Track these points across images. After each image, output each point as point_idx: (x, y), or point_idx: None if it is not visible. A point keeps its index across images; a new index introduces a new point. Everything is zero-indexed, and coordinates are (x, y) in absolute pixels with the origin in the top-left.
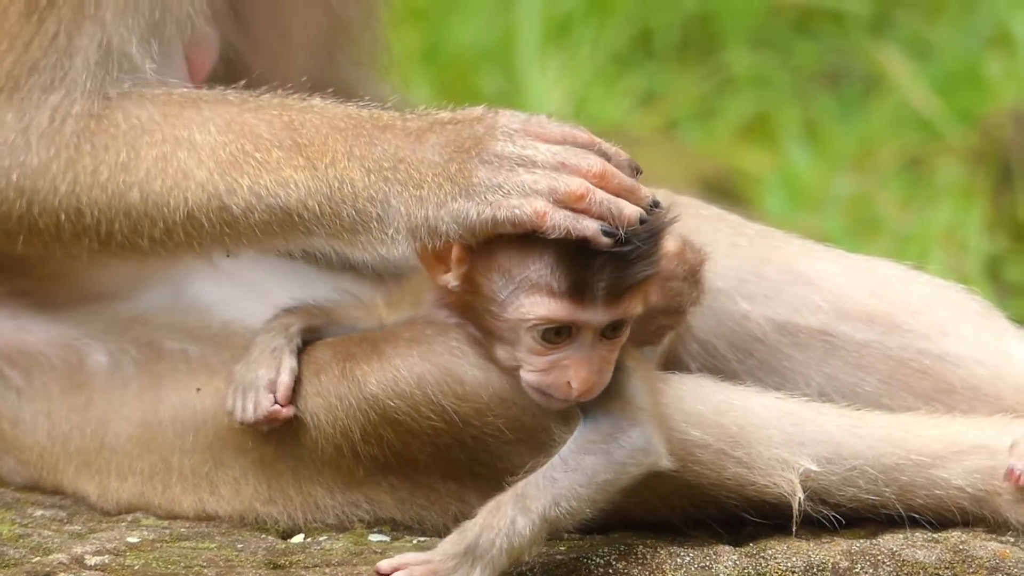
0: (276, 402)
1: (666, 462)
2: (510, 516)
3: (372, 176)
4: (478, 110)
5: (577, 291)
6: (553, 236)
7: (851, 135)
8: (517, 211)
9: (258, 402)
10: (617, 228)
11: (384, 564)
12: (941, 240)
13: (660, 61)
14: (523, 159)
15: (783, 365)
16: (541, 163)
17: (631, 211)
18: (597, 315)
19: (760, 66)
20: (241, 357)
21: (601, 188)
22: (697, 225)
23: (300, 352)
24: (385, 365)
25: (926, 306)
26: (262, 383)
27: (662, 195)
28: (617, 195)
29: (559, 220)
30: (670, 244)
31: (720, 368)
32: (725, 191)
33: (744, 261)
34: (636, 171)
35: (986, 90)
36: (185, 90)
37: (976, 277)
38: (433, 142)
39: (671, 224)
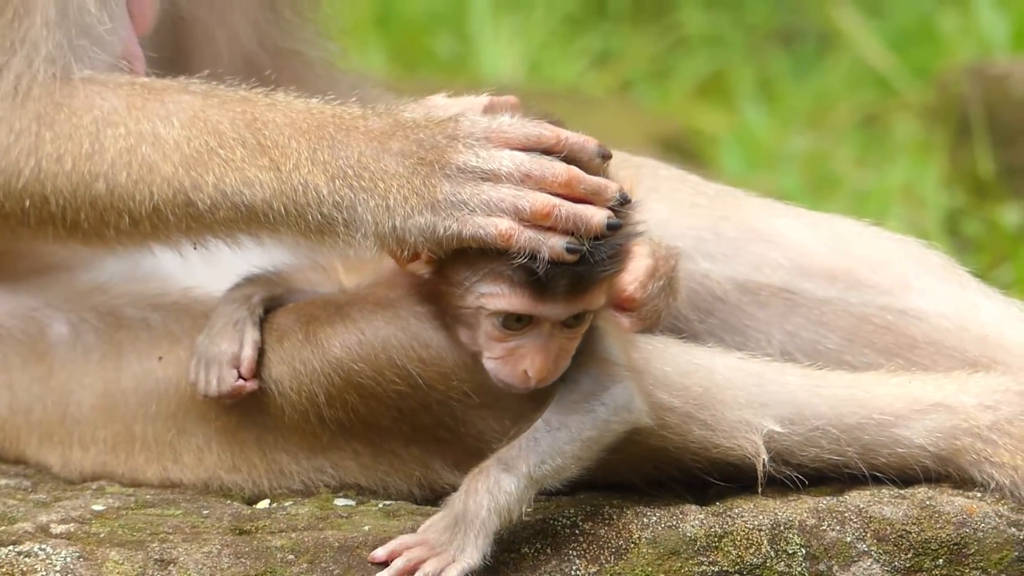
0: (240, 376)
1: (647, 419)
2: (494, 477)
3: (337, 182)
4: (440, 108)
5: (538, 286)
6: (520, 257)
7: (806, 93)
8: (482, 231)
9: (222, 377)
10: (582, 243)
11: (379, 552)
12: (899, 196)
13: (614, 21)
14: (487, 173)
15: (744, 324)
16: (505, 176)
17: (598, 220)
18: (557, 310)
19: (714, 25)
20: (203, 326)
21: (567, 197)
22: (656, 185)
23: (262, 321)
24: (350, 328)
25: (887, 261)
26: (225, 357)
27: (620, 158)
28: (584, 200)
29: (524, 242)
30: (641, 264)
31: (682, 328)
32: (681, 151)
33: (703, 221)
34: (605, 158)
35: (941, 46)
36: (148, 80)
37: (935, 232)
38: (396, 149)
39: (636, 235)
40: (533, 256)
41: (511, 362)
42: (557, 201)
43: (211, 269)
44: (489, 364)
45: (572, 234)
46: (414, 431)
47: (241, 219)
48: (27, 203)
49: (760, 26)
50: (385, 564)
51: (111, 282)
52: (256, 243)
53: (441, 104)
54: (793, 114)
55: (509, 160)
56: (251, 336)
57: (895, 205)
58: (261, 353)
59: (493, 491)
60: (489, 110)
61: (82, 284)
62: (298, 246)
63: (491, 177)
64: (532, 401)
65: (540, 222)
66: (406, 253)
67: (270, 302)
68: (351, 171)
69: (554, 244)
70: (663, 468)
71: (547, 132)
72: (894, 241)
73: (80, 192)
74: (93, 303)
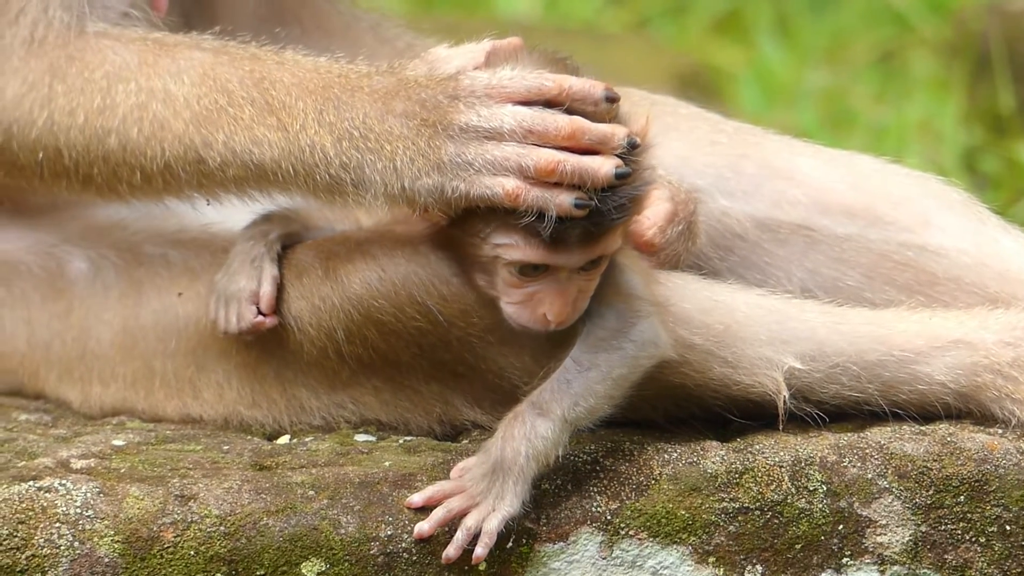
0: (259, 312)
1: (671, 352)
2: (530, 423)
3: (344, 143)
4: (442, 60)
5: (551, 236)
6: (529, 215)
7: (824, 29)
8: (489, 191)
9: (241, 314)
10: (591, 197)
11: (416, 498)
12: (916, 133)
13: None
14: (489, 132)
15: (764, 261)
16: (508, 133)
17: (605, 171)
18: (572, 258)
19: None
20: (222, 261)
21: (573, 149)
22: (675, 123)
23: (280, 257)
24: (370, 264)
25: (906, 198)
26: (244, 294)
27: (639, 97)
28: (590, 151)
29: (531, 200)
30: (660, 209)
31: (702, 266)
32: (698, 87)
33: (723, 158)
34: (612, 101)
35: None
36: (160, 35)
37: (952, 169)
38: (400, 110)
39: (648, 182)
40: (541, 214)
41: (530, 307)
42: (562, 156)
43: (229, 204)
44: (508, 309)
45: (581, 187)
46: (434, 367)
47: (251, 177)
48: (40, 155)
49: None
50: (421, 510)
51: (130, 218)
52: (268, 198)
53: (443, 56)
54: (811, 50)
55: (511, 117)
56: (269, 272)
57: (912, 142)
58: (280, 289)
59: (530, 436)
60: (492, 56)
61: (101, 221)
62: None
63: (494, 136)
64: (552, 338)
65: (546, 178)
66: (416, 212)
67: (288, 239)
68: (357, 132)
69: (562, 201)
70: (684, 405)
71: (548, 84)
72: (914, 178)
73: (93, 146)
74: (112, 239)
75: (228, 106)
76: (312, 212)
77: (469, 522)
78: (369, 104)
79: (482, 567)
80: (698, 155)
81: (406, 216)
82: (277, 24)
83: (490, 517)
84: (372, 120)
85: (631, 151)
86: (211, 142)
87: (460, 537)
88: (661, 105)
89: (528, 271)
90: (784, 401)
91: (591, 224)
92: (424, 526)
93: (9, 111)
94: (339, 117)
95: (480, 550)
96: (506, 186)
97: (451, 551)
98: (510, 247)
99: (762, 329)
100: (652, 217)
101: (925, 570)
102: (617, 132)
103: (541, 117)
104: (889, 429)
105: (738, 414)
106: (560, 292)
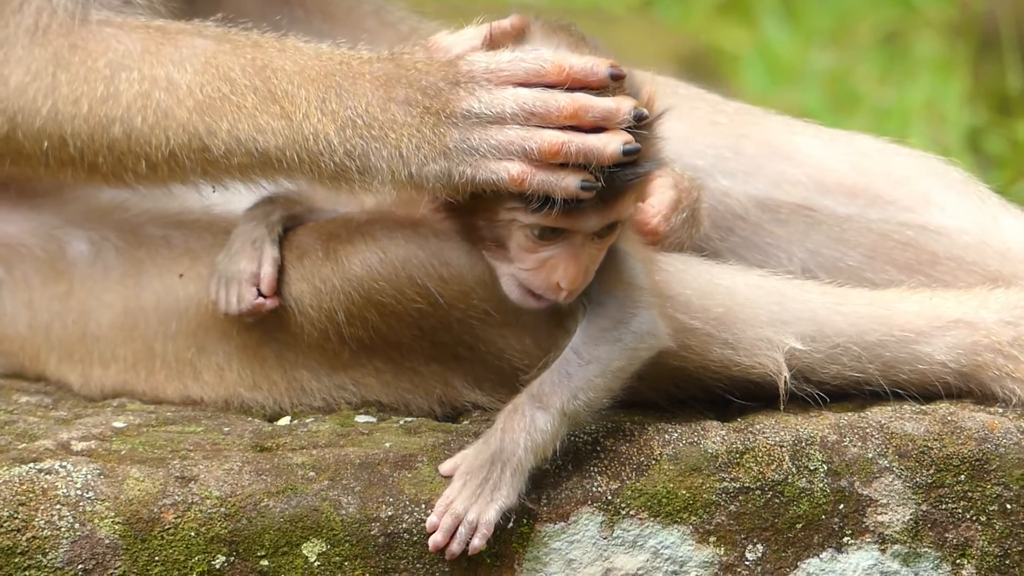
0: (260, 294)
1: (670, 343)
2: (529, 415)
3: (347, 131)
4: (443, 48)
5: (567, 202)
6: (535, 202)
7: (828, 10)
8: (495, 176)
9: (241, 295)
10: (598, 178)
11: (432, 519)
12: (920, 114)
13: None
14: (492, 117)
15: (765, 242)
16: (510, 117)
17: (612, 149)
18: (591, 222)
19: None
20: (223, 243)
21: (578, 128)
22: (676, 104)
23: (282, 239)
24: (370, 246)
25: (907, 177)
26: (245, 276)
27: (643, 77)
28: (595, 129)
29: (538, 184)
30: (664, 197)
31: (703, 247)
32: (703, 69)
33: (723, 139)
34: (617, 78)
35: None
36: (162, 23)
37: (956, 149)
38: (402, 97)
39: (659, 161)
40: (547, 199)
41: (543, 273)
42: (566, 137)
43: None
44: (520, 274)
45: (587, 167)
46: (435, 349)
47: (256, 165)
48: (45, 144)
49: None
50: (420, 490)
51: (131, 200)
52: (274, 185)
53: (444, 44)
54: (815, 31)
55: (512, 100)
56: (270, 254)
57: (917, 122)
58: (281, 271)
59: (529, 430)
60: (494, 37)
61: (103, 202)
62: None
63: (496, 120)
64: (551, 319)
65: (551, 160)
66: (425, 198)
67: (289, 220)
68: (360, 120)
69: (568, 183)
70: (684, 387)
71: (547, 66)
72: (914, 157)
73: (97, 135)
74: (114, 221)
75: (231, 94)
76: (315, 194)
77: (470, 516)
78: (371, 91)
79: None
80: (698, 135)
81: (411, 199)
82: (280, 9)
83: (487, 508)
84: (375, 108)
85: (639, 123)
86: (215, 130)
87: (463, 532)
88: (661, 86)
89: (547, 234)
90: (785, 382)
91: (606, 188)
92: (438, 537)
93: (13, 100)
94: (342, 105)
95: (477, 541)
96: (511, 171)
97: (455, 547)
98: (527, 213)
99: (762, 310)
100: (656, 205)
101: (926, 549)
102: (622, 106)
103: (543, 99)
104: (890, 409)
105: (739, 395)
106: (575, 257)
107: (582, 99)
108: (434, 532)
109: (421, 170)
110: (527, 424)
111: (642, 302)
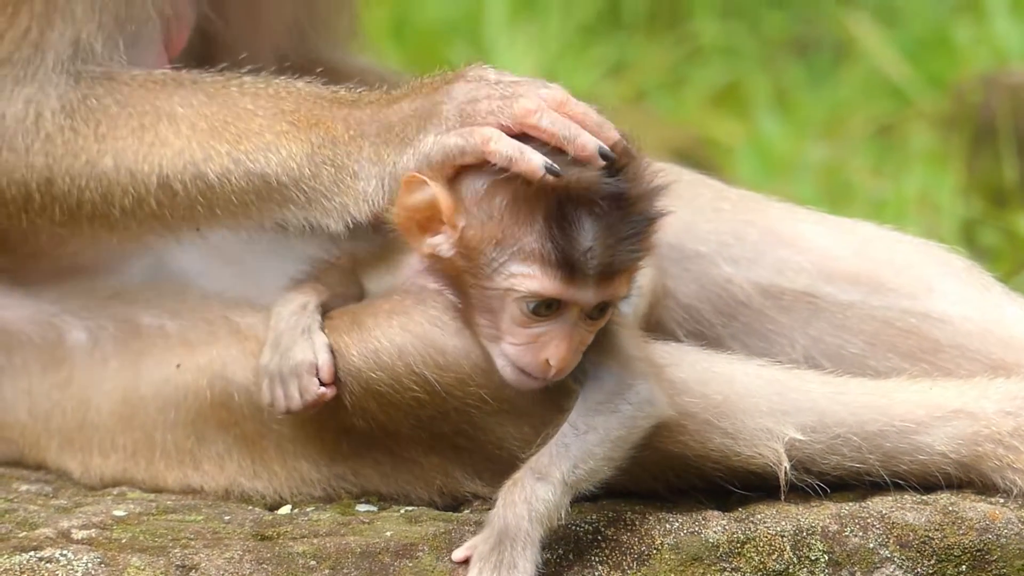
0: (321, 384)
1: (670, 411)
2: (529, 487)
3: (351, 131)
4: (442, 79)
5: (569, 267)
6: (498, 165)
7: (821, 103)
8: (463, 139)
9: (304, 387)
10: (565, 170)
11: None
12: (915, 206)
13: (629, 31)
14: (467, 100)
15: (768, 328)
16: (484, 98)
17: (587, 140)
18: (588, 294)
19: (729, 35)
20: (218, 331)
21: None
22: (679, 190)
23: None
24: (366, 337)
25: (910, 264)
26: (304, 367)
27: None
28: (579, 124)
29: (504, 148)
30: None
31: (705, 333)
32: (696, 160)
33: (726, 225)
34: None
35: (956, 56)
36: (166, 71)
37: (951, 242)
38: (405, 106)
39: (659, 220)
40: (509, 165)
41: (533, 350)
42: (545, 105)
43: (228, 275)
44: (509, 350)
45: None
46: (433, 439)
47: (252, 190)
48: (32, 186)
49: (775, 36)
50: None
51: (128, 288)
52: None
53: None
54: (809, 124)
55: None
56: (322, 341)
57: (911, 214)
58: None
59: (531, 501)
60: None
61: (100, 291)
62: (304, 223)
63: (471, 101)
64: (550, 406)
65: (524, 121)
66: (405, 178)
67: (322, 307)
68: (367, 125)
69: (532, 157)
70: (684, 476)
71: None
72: (916, 245)
73: (87, 170)
74: (111, 310)
75: (236, 120)
76: (329, 276)
77: None
78: (377, 109)
79: None
80: (701, 221)
81: (407, 275)
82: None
83: None
84: (380, 114)
85: (623, 148)
86: (212, 155)
87: None
88: (664, 172)
89: (541, 310)
90: (785, 472)
91: (609, 256)
92: None
93: (9, 170)
94: (351, 113)
95: None
96: (482, 132)
97: None
98: (526, 277)
99: (762, 400)
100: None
101: None
102: (615, 129)
103: (534, 81)
104: (891, 499)
105: (739, 485)
106: (567, 336)
107: (573, 99)
108: None
109: (403, 151)
110: (528, 495)
111: (638, 372)
